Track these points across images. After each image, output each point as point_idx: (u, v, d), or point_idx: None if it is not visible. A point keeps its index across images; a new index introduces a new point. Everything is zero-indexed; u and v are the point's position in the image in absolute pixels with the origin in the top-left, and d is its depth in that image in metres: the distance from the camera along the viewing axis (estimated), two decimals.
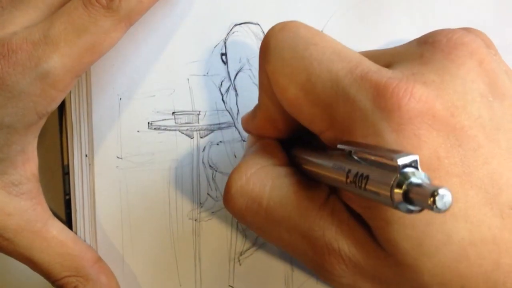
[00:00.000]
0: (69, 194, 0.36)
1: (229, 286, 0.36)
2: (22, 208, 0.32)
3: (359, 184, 0.23)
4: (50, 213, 0.33)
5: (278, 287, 0.36)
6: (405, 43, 0.27)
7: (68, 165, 0.35)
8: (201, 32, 0.35)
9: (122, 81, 0.35)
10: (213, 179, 0.36)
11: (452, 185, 0.23)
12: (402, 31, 0.35)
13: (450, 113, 0.23)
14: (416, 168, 0.21)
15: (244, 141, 0.36)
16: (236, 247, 0.36)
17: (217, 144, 0.36)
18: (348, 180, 0.24)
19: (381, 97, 0.23)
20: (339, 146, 0.25)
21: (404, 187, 0.20)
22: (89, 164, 0.35)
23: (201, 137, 0.36)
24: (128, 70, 0.35)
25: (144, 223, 0.36)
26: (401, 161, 0.21)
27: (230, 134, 0.36)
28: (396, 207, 0.20)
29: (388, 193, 0.20)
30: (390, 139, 0.23)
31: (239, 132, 0.36)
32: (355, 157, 0.24)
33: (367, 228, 0.25)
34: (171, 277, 0.36)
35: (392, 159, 0.21)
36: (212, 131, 0.36)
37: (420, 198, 0.19)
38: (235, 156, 0.36)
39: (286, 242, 0.28)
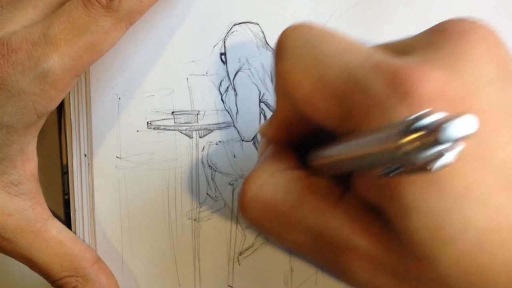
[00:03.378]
0: (68, 194, 0.35)
1: (229, 286, 0.36)
2: (22, 208, 0.32)
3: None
4: (50, 213, 0.33)
5: (278, 287, 0.36)
6: (414, 35, 0.27)
7: (67, 164, 0.35)
8: (201, 32, 0.35)
9: (121, 81, 0.35)
10: (212, 179, 0.36)
11: (470, 170, 0.22)
12: (402, 32, 0.35)
13: (462, 97, 0.23)
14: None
15: (243, 140, 0.36)
16: (236, 247, 0.36)
17: (216, 144, 0.36)
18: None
19: (395, 82, 0.23)
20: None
21: (412, 131, 0.19)
22: (88, 164, 0.35)
23: (200, 137, 0.36)
24: (128, 70, 0.35)
25: (143, 223, 0.36)
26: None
27: (229, 133, 0.36)
28: (413, 161, 0.19)
29: (395, 144, 0.19)
30: None
31: (238, 132, 0.36)
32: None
33: (383, 222, 0.25)
34: (170, 277, 0.36)
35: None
36: (211, 130, 0.36)
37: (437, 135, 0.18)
38: (234, 156, 0.36)
39: (303, 245, 0.28)
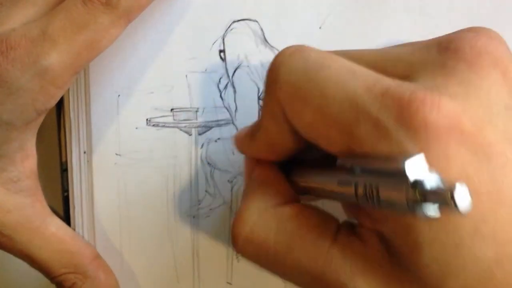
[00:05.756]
0: (67, 191, 0.35)
1: (227, 283, 0.36)
2: (21, 205, 0.32)
3: (371, 196, 0.22)
4: (49, 210, 0.33)
5: (276, 284, 0.36)
6: (423, 45, 0.26)
7: (66, 162, 0.35)
8: (200, 29, 0.35)
9: (120, 78, 0.35)
10: (211, 176, 0.36)
11: (481, 204, 0.22)
12: (401, 28, 0.35)
13: (477, 128, 0.22)
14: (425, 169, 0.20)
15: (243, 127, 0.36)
16: None
17: (215, 141, 0.36)
18: (358, 194, 0.23)
19: (406, 114, 0.22)
20: (338, 162, 0.24)
21: (418, 193, 0.19)
22: (88, 161, 0.35)
23: (199, 134, 0.36)
24: (127, 67, 0.35)
25: (143, 220, 0.36)
26: (409, 165, 0.20)
27: (228, 131, 0.36)
28: (415, 213, 0.20)
29: (404, 202, 0.20)
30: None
31: (237, 129, 0.36)
32: (358, 170, 0.23)
33: (385, 255, 0.24)
34: (170, 274, 0.36)
35: (398, 164, 0.20)
36: (210, 128, 0.36)
37: (438, 201, 0.19)
38: (233, 153, 0.36)
39: (301, 284, 0.27)
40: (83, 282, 0.33)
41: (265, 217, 0.28)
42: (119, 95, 0.35)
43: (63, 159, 0.36)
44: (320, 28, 0.35)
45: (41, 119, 0.31)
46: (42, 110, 0.30)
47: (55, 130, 0.37)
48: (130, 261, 0.36)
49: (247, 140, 0.31)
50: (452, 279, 0.22)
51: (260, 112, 0.29)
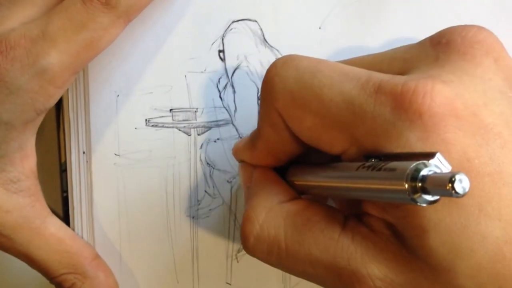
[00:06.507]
0: (66, 191, 0.35)
1: (227, 283, 0.36)
2: (21, 205, 0.32)
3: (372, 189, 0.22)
4: (49, 210, 0.33)
5: (276, 284, 0.36)
6: (416, 43, 0.27)
7: (65, 162, 0.35)
8: (199, 29, 0.35)
9: (119, 78, 0.35)
10: (210, 176, 0.36)
11: (484, 185, 0.22)
12: (400, 28, 0.35)
13: (473, 112, 0.23)
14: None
15: (241, 138, 0.36)
16: (234, 244, 0.36)
17: (215, 142, 0.36)
18: (360, 170, 0.23)
19: (400, 107, 0.23)
20: (343, 158, 0.25)
21: (419, 177, 0.20)
22: (87, 161, 0.35)
23: (198, 134, 0.36)
24: (126, 67, 0.35)
25: (142, 220, 0.36)
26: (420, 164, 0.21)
27: (228, 131, 0.36)
28: (414, 200, 0.20)
29: (403, 188, 0.20)
30: (418, 148, 0.22)
31: (236, 130, 0.36)
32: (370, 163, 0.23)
33: (394, 241, 0.24)
34: (169, 274, 0.36)
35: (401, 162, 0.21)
36: (210, 128, 0.36)
37: (437, 187, 0.19)
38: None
39: (313, 277, 0.27)
40: (83, 282, 0.33)
41: (273, 214, 0.28)
42: (118, 95, 0.35)
43: (62, 160, 0.36)
44: (319, 28, 0.35)
45: (40, 119, 0.31)
46: (41, 110, 0.30)
47: (54, 131, 0.37)
48: (129, 261, 0.36)
49: (247, 151, 0.31)
50: (462, 261, 0.23)
51: (258, 122, 0.30)
